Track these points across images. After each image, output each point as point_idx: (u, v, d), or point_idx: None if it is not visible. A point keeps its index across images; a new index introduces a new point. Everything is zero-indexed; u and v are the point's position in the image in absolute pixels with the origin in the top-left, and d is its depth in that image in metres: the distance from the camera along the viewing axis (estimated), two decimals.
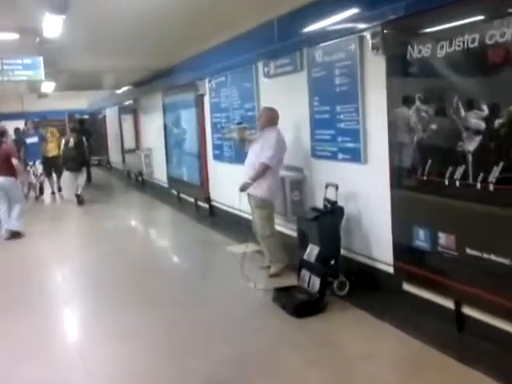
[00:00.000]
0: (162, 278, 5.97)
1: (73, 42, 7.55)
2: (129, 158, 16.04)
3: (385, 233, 4.69)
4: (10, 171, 7.91)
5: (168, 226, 9.71)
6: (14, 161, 7.96)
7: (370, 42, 4.54)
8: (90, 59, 9.72)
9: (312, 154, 5.78)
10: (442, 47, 3.81)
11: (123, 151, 16.85)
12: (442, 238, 4.00)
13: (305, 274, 4.91)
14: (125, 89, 15.01)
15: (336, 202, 5.05)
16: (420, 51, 4.03)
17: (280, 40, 6.07)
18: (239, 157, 7.38)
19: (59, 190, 13.24)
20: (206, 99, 8.98)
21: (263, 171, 5.39)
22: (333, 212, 5.02)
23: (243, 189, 5.50)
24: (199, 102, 9.22)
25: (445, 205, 3.96)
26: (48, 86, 12.83)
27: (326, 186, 5.22)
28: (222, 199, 8.74)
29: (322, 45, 5.35)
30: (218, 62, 8.01)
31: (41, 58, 8.33)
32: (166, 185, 12.09)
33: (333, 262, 4.93)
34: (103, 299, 5.34)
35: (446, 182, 3.89)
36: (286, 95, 6.30)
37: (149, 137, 13.74)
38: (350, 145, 5.08)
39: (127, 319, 4.71)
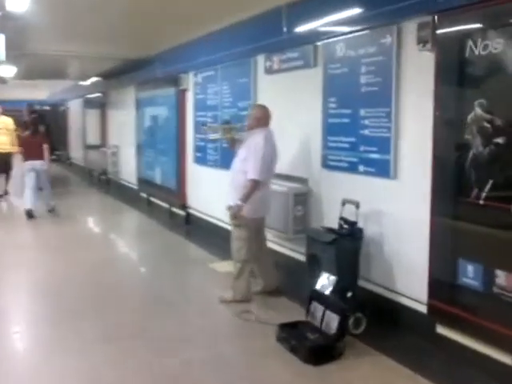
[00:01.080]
0: (132, 304, 4.94)
1: (40, 21, 6.56)
2: (92, 155, 14.90)
3: (416, 263, 3.93)
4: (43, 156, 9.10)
5: (138, 235, 8.56)
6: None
7: (416, 35, 3.75)
8: (57, 43, 8.62)
9: (323, 164, 4.96)
10: None
11: (86, 147, 15.69)
12: (502, 277, 3.24)
13: (317, 308, 4.07)
14: (92, 80, 13.88)
15: (356, 223, 4.26)
16: (486, 47, 3.27)
17: (289, 31, 5.25)
18: (226, 161, 6.52)
19: (5, 193, 11.23)
20: (190, 95, 8.07)
21: (254, 189, 4.53)
22: (353, 234, 4.21)
23: (235, 213, 4.59)
24: (180, 98, 8.31)
25: (508, 237, 3.21)
26: (8, 71, 11.58)
27: (343, 203, 4.42)
28: (202, 207, 7.84)
29: (346, 37, 4.56)
30: (208, 54, 7.13)
31: (2, 36, 7.25)
32: (134, 186, 11.08)
33: (350, 295, 4.12)
34: (56, 331, 4.27)
35: None
36: (292, 94, 5.48)
37: (117, 133, 12.68)
38: (376, 156, 4.29)
39: (86, 359, 3.74)
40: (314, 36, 4.94)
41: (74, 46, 8.81)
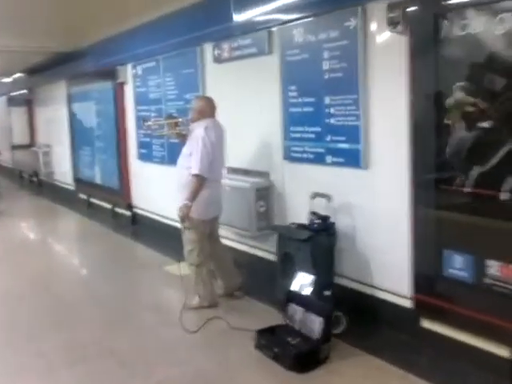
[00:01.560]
0: (90, 318, 4.48)
1: None
2: (20, 156, 13.99)
3: (395, 256, 3.77)
4: None
5: (82, 239, 7.96)
6: None
7: (386, 16, 3.55)
8: None
9: (285, 156, 4.71)
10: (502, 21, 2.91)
11: (13, 147, 14.71)
12: (494, 267, 3.12)
13: (295, 310, 3.82)
14: (15, 76, 12.98)
15: (328, 218, 4.05)
16: (465, 27, 3.11)
17: (238, 16, 4.93)
18: (173, 157, 6.15)
19: None
20: (128, 88, 7.59)
21: (199, 185, 4.18)
22: (327, 230, 4.00)
23: (183, 215, 4.20)
24: (118, 92, 7.81)
25: (498, 226, 3.08)
26: None
27: (313, 197, 4.20)
28: (149, 206, 7.43)
29: (304, 21, 4.30)
30: (147, 44, 6.70)
31: None
32: (71, 187, 10.46)
33: (328, 293, 3.92)
34: (15, 355, 3.82)
35: (502, 196, 3.01)
36: (245, 84, 5.18)
37: (48, 132, 11.92)
38: (345, 145, 4.08)
39: None
40: (269, 21, 4.65)
41: None
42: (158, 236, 6.93)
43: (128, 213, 8.05)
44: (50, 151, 11.70)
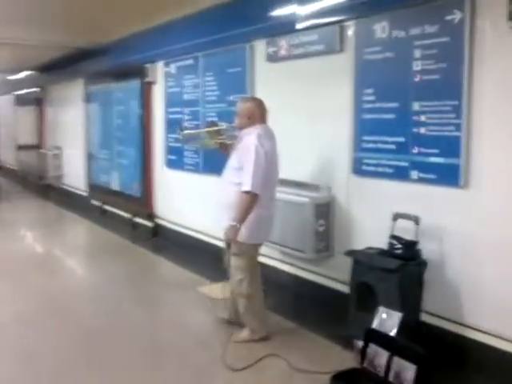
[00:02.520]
0: (117, 354, 3.73)
1: None
2: (26, 157, 13.33)
3: (503, 293, 3.16)
4: None
5: (98, 252, 6.86)
6: None
7: (507, 9, 2.97)
8: None
9: (354, 170, 4.11)
10: None
11: (18, 148, 14.07)
12: None
13: (378, 353, 3.19)
14: (25, 74, 12.36)
15: (416, 243, 3.44)
16: None
17: (302, 7, 4.37)
18: (210, 165, 5.61)
19: None
20: (158, 88, 6.99)
21: (251, 204, 3.54)
22: (417, 258, 3.39)
23: (230, 239, 3.58)
24: (146, 92, 7.21)
25: None
26: None
27: (395, 218, 3.59)
28: (176, 217, 6.80)
29: (390, 14, 3.73)
30: (184, 40, 6.12)
31: None
32: (83, 193, 9.82)
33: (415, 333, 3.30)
34: None
35: None
36: (306, 86, 4.59)
37: (59, 133, 11.29)
38: (438, 159, 3.48)
39: None
40: (344, 10, 4.07)
41: (3, 31, 7.45)
42: (185, 251, 6.30)
43: (149, 223, 7.42)
44: (60, 153, 11.07)
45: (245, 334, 3.84)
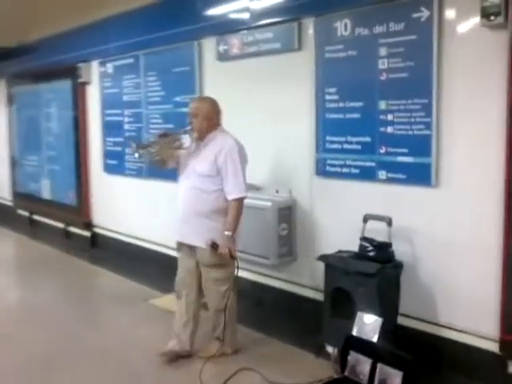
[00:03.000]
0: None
1: None
2: None
3: (479, 293, 3.17)
4: None
5: (30, 265, 6.37)
6: None
7: (480, 5, 2.94)
8: None
9: (317, 171, 4.00)
10: None
11: None
12: None
13: (360, 360, 3.08)
14: None
15: (390, 245, 3.36)
16: None
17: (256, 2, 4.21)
18: (153, 169, 5.32)
19: None
20: (93, 89, 6.59)
21: (242, 209, 3.42)
22: (393, 260, 3.32)
23: (230, 251, 3.36)
24: (79, 94, 6.78)
25: None
26: None
27: (366, 220, 3.51)
28: (117, 226, 6.43)
29: (355, 10, 3.64)
30: (122, 38, 5.80)
31: None
32: (7, 202, 9.15)
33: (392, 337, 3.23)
34: None
35: None
36: (260, 85, 4.43)
37: None
38: (407, 158, 3.43)
39: None
40: (303, 8, 3.95)
41: None
42: (130, 261, 5.97)
43: (86, 233, 6.99)
44: None
45: (215, 348, 3.60)
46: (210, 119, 3.46)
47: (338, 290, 3.36)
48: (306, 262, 4.13)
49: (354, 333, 3.17)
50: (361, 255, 3.38)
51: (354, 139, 3.72)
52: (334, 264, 3.39)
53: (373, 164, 3.62)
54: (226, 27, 4.57)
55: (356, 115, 3.69)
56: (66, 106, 7.07)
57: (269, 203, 4.12)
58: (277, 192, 4.32)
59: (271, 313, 4.27)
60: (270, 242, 4.13)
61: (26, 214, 8.51)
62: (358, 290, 3.24)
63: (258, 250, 4.18)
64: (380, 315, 3.12)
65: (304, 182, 4.12)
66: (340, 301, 3.36)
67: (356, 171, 3.73)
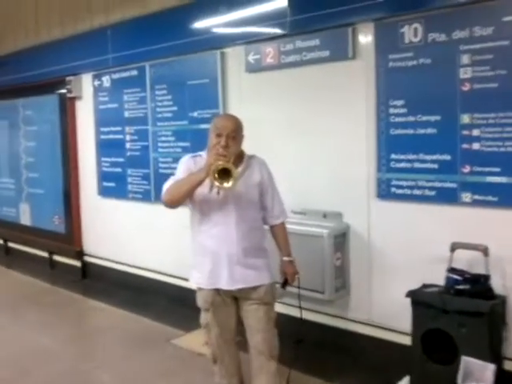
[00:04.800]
0: None
1: None
2: None
3: None
4: None
5: (14, 301, 5.57)
6: None
7: None
8: None
9: (380, 193, 3.57)
10: None
11: None
12: None
13: None
14: None
15: (488, 277, 2.97)
16: None
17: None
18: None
19: None
20: (85, 105, 5.96)
21: None
22: (491, 295, 2.92)
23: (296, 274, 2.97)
24: (68, 110, 6.13)
25: None
26: None
27: (453, 249, 3.10)
28: (115, 255, 5.80)
29: (428, 14, 3.25)
30: (123, 48, 5.25)
31: None
32: None
33: None
34: None
35: None
36: (301, 99, 3.97)
37: None
38: (498, 179, 3.06)
39: None
40: (353, 13, 3.54)
41: None
42: (132, 293, 5.39)
43: (76, 262, 6.31)
44: None
45: None
46: (241, 139, 2.85)
47: (433, 332, 2.93)
48: (363, 296, 3.69)
49: (460, 381, 2.75)
50: (450, 289, 2.96)
51: (429, 157, 3.32)
52: (427, 302, 2.96)
53: (454, 185, 3.22)
54: (257, 34, 4.10)
55: (431, 130, 3.29)
56: (51, 123, 6.39)
57: (325, 230, 3.66)
58: (324, 217, 3.87)
59: (329, 355, 3.78)
60: (325, 274, 3.66)
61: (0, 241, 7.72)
62: (461, 331, 2.81)
63: (311, 282, 3.68)
64: (491, 360, 2.71)
65: (359, 206, 3.69)
66: (435, 344, 2.92)
67: (431, 193, 3.32)
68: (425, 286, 3.13)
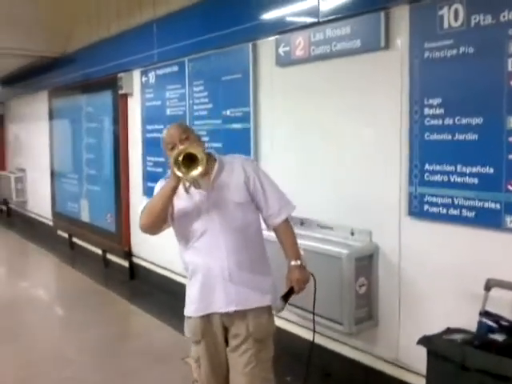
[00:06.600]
0: None
1: None
2: None
3: None
4: None
5: (66, 302, 5.59)
6: None
7: None
8: None
9: (411, 211, 2.96)
10: None
11: None
12: None
13: None
14: None
15: None
16: None
17: None
18: None
19: None
20: (135, 102, 5.80)
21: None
22: None
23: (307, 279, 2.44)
24: (121, 107, 6.00)
25: None
26: None
27: (488, 287, 2.45)
28: (157, 257, 5.58)
29: None
30: (166, 42, 4.97)
31: None
32: (49, 222, 8.52)
33: None
34: None
35: None
36: (331, 97, 3.45)
37: (22, 154, 10.00)
38: None
39: None
40: None
41: None
42: (170, 300, 5.08)
43: (125, 263, 6.18)
44: (23, 177, 9.78)
45: None
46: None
47: None
48: (392, 330, 3.11)
49: None
50: (484, 340, 2.32)
51: (468, 169, 2.68)
52: (442, 353, 2.34)
53: (497, 206, 2.56)
54: (288, 23, 3.62)
55: (471, 136, 2.65)
56: (106, 120, 6.32)
57: (344, 250, 3.12)
58: (352, 234, 3.32)
59: None
60: (343, 303, 3.12)
61: (65, 235, 7.83)
62: None
63: (328, 311, 3.16)
64: None
65: (389, 224, 3.10)
66: None
67: (470, 214, 2.68)
68: (449, 330, 2.51)
